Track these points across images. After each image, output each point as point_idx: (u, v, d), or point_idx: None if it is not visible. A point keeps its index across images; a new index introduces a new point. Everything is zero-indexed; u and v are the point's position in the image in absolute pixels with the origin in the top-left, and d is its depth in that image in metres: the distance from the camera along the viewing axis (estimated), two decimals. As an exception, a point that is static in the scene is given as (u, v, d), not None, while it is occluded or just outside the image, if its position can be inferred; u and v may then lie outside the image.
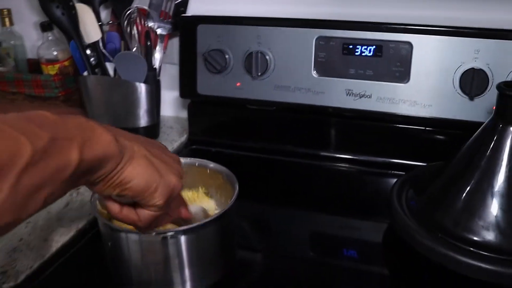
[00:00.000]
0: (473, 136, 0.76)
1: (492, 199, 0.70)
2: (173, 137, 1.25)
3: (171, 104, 1.33)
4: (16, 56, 1.43)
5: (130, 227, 0.69)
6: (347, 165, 1.05)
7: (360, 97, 0.99)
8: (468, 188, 0.72)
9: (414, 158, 0.99)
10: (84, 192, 0.94)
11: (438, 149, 0.97)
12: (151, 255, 0.67)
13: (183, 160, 0.83)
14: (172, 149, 1.19)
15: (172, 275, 0.68)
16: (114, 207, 0.54)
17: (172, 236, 0.65)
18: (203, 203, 0.79)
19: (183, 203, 0.66)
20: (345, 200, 0.96)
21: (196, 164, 0.81)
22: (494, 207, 0.69)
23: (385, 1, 1.02)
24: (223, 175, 0.78)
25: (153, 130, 1.24)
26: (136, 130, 1.21)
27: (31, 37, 1.43)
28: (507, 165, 0.70)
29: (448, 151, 0.81)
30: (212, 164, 0.80)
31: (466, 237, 0.70)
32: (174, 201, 0.58)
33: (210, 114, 1.19)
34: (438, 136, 0.98)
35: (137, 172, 0.49)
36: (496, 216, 0.69)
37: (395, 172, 0.99)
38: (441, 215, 0.74)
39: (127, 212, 0.54)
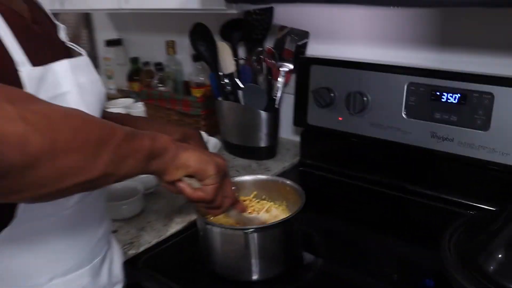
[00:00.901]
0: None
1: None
2: (286, 158, 1.44)
3: (290, 128, 1.53)
4: (175, 78, 1.75)
5: (217, 220, 0.91)
6: (426, 201, 1.14)
7: (443, 140, 1.08)
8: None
9: (488, 202, 1.05)
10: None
11: (513, 195, 1.02)
12: (229, 245, 0.88)
13: (270, 177, 1.03)
14: (283, 168, 1.38)
15: (243, 263, 0.87)
16: (187, 190, 0.73)
17: (247, 232, 0.84)
18: (281, 214, 0.97)
19: (241, 203, 0.87)
20: (414, 230, 1.05)
21: (279, 182, 0.99)
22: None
23: (472, 49, 1.12)
24: (297, 192, 0.94)
25: (270, 150, 1.46)
26: (257, 149, 1.44)
27: (188, 65, 1.74)
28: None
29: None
30: (288, 182, 0.97)
31: (505, 286, 0.75)
32: (227, 181, 0.79)
33: (317, 142, 1.36)
34: (514, 184, 1.03)
35: (190, 155, 0.70)
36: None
37: (466, 211, 1.06)
38: (484, 260, 0.80)
39: (197, 192, 0.74)
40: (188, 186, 0.73)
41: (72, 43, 0.83)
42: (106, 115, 0.84)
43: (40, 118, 0.50)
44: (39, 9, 0.79)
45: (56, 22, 0.82)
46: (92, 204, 0.78)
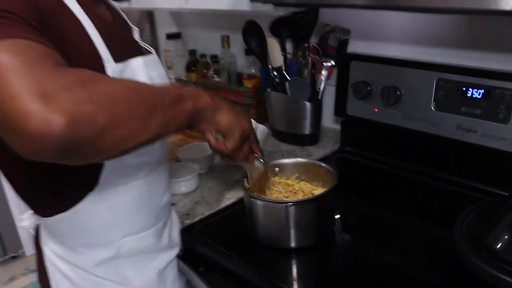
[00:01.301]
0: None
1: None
2: (328, 145, 1.57)
3: (332, 118, 1.66)
4: (229, 70, 1.91)
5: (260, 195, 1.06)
6: (452, 187, 1.25)
7: (468, 132, 1.19)
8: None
9: (507, 189, 1.14)
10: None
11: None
12: (271, 217, 1.03)
13: (307, 160, 1.16)
14: (324, 154, 1.52)
15: (283, 232, 1.01)
16: (212, 140, 0.86)
17: (287, 206, 0.98)
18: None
19: (251, 157, 0.97)
20: (440, 213, 1.16)
21: (316, 164, 1.13)
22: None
23: (496, 49, 1.22)
24: (331, 173, 1.08)
25: (313, 137, 1.59)
26: (301, 136, 1.58)
27: (241, 57, 1.89)
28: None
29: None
30: (323, 164, 1.11)
31: (509, 261, 0.86)
32: (247, 142, 0.91)
33: (355, 131, 1.49)
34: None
35: (223, 116, 0.83)
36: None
37: (486, 197, 1.16)
38: (492, 240, 0.91)
39: (219, 143, 0.86)
40: (213, 138, 0.86)
41: (143, 43, 0.99)
42: None
43: (104, 97, 0.60)
44: (118, 14, 0.97)
45: (131, 25, 1.00)
46: (157, 177, 0.96)
